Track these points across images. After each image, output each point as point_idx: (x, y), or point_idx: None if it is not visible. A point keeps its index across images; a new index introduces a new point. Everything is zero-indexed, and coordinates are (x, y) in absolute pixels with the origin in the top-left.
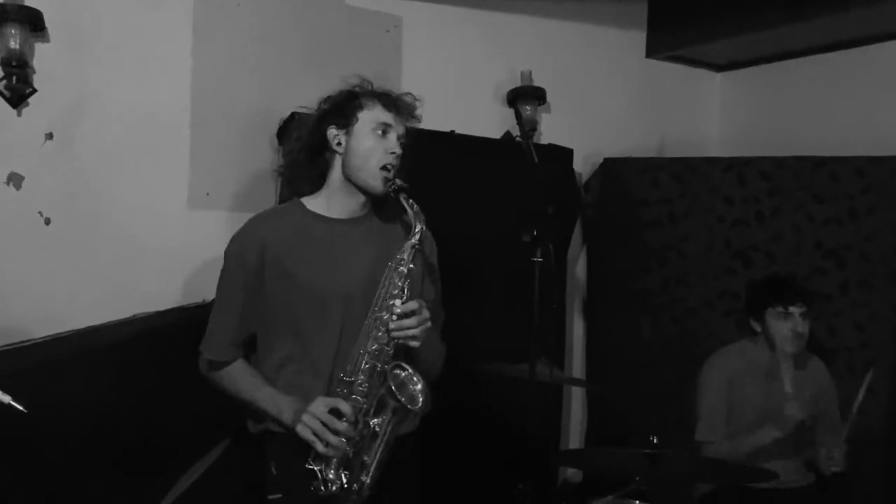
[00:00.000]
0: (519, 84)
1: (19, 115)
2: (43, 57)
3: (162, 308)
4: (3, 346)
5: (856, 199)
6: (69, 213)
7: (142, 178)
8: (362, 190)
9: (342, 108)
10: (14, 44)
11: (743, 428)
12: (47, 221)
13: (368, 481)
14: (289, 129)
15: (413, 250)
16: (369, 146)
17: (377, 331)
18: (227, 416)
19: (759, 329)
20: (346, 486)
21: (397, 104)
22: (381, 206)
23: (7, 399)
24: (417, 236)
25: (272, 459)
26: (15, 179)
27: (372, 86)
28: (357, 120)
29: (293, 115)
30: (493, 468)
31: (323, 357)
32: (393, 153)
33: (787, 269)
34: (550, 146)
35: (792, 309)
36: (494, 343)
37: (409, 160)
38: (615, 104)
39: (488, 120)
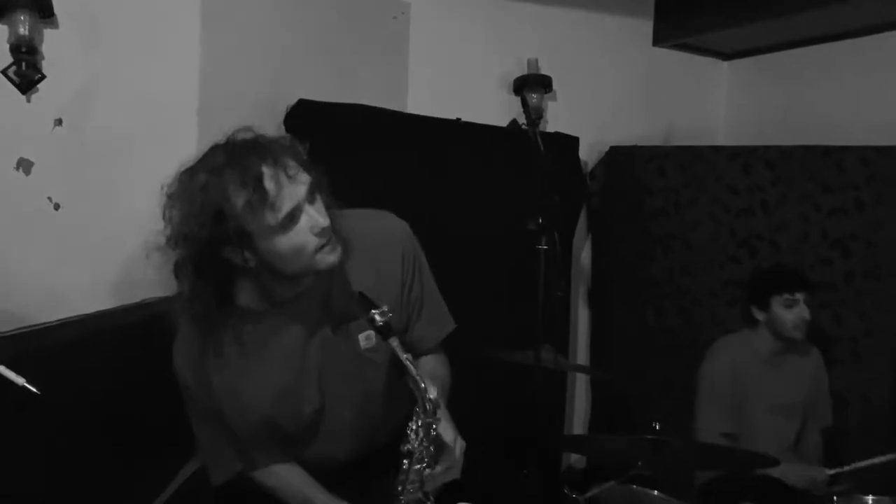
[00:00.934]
0: (525, 72)
1: (28, 100)
2: (52, 43)
3: (171, 293)
4: (12, 330)
5: (862, 188)
6: (79, 198)
7: (150, 164)
8: (301, 280)
9: (223, 231)
10: (23, 30)
11: (748, 415)
12: (56, 207)
13: None
14: (296, 116)
15: (427, 427)
16: (289, 248)
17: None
18: None
19: (761, 318)
20: None
21: (291, 168)
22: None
23: (21, 381)
24: (431, 412)
25: None
26: (24, 165)
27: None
28: (251, 235)
29: (300, 101)
30: (498, 454)
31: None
32: (319, 228)
33: (792, 259)
34: (556, 134)
35: (798, 295)
36: (499, 330)
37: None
38: (621, 92)
39: (494, 108)
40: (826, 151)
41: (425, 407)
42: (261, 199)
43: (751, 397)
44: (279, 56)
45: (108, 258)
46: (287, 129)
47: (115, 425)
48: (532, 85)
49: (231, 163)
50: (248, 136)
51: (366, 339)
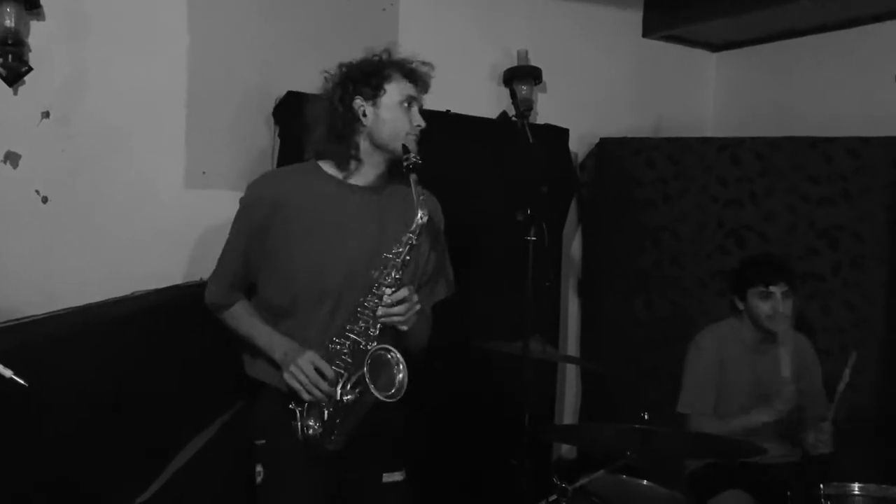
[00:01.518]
0: (515, 63)
1: (15, 93)
2: (38, 35)
3: (160, 286)
4: (1, 323)
5: (849, 179)
6: (66, 191)
7: (138, 157)
8: (391, 155)
9: (369, 79)
10: (9, 22)
11: (733, 405)
12: (44, 200)
13: (336, 439)
14: (284, 108)
15: (410, 243)
16: (398, 119)
17: (365, 310)
18: (224, 392)
19: (742, 307)
20: (319, 435)
21: (420, 77)
22: (395, 174)
23: (9, 373)
24: (417, 226)
25: (261, 406)
26: (12, 158)
27: (389, 55)
28: (384, 92)
29: (289, 93)
30: (488, 444)
31: (313, 324)
32: (419, 126)
33: (780, 250)
34: (546, 126)
35: (773, 288)
36: (489, 321)
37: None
38: (611, 84)
39: (484, 100)
40: (813, 143)
41: (414, 226)
42: (407, 75)
43: (733, 385)
44: (268, 48)
45: (97, 251)
46: (276, 121)
47: (105, 417)
48: (521, 76)
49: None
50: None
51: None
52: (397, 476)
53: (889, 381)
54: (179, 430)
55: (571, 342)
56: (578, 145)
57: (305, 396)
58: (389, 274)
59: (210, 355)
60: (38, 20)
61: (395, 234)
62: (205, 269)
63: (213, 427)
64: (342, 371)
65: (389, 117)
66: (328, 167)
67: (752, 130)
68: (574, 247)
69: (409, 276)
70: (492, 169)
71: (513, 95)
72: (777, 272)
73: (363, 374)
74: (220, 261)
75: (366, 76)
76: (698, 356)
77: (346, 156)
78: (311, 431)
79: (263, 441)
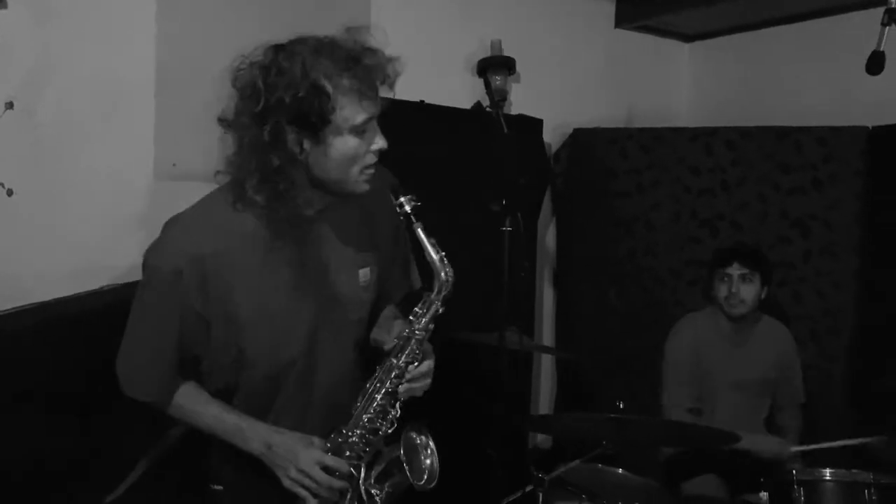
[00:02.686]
0: (489, 54)
1: None
2: (1, 24)
3: (130, 281)
4: None
5: (819, 168)
6: (33, 183)
7: (106, 149)
8: (341, 190)
9: (306, 118)
10: None
11: (712, 394)
12: (10, 192)
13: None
14: None
15: (435, 311)
16: (348, 152)
17: (383, 387)
18: None
19: (712, 294)
20: None
21: (375, 83)
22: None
23: None
24: (441, 288)
25: (215, 447)
26: None
27: (337, 65)
28: (329, 123)
29: None
30: (464, 435)
31: (291, 405)
32: (377, 149)
33: (752, 239)
34: (520, 117)
35: (728, 270)
36: (465, 312)
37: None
38: (585, 74)
39: (458, 90)
40: (784, 132)
41: (439, 288)
42: (358, 90)
43: (714, 374)
44: (238, 36)
45: (65, 245)
46: None
47: (73, 414)
48: (495, 67)
49: (333, 49)
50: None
51: (364, 275)
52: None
53: (859, 369)
54: (149, 427)
55: (547, 332)
56: (553, 136)
57: (312, 503)
58: (413, 351)
59: None
60: (1, 8)
61: (381, 236)
62: None
63: (176, 432)
64: (356, 460)
65: (335, 152)
66: (249, 199)
67: (724, 120)
68: (549, 237)
69: (385, 267)
70: (466, 160)
71: (487, 85)
72: (733, 254)
73: (391, 461)
74: (137, 353)
75: (302, 116)
76: (675, 347)
77: (273, 195)
78: None
79: (220, 487)
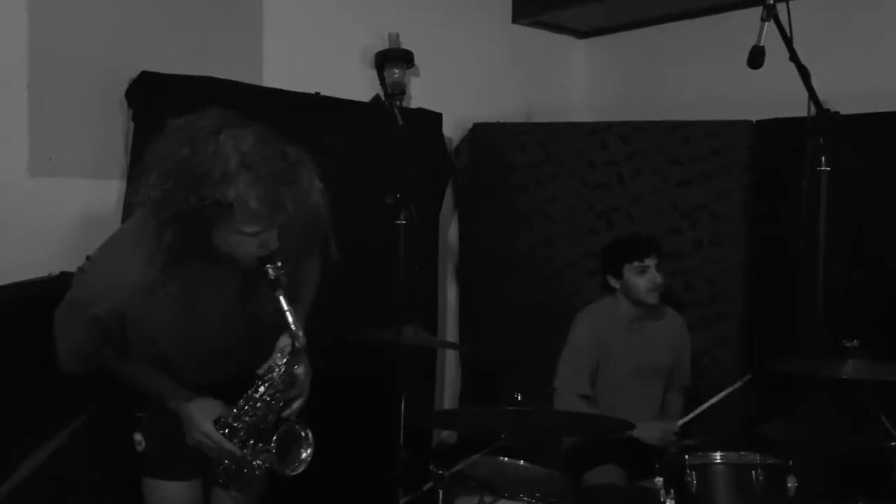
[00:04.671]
0: (387, 47)
1: None
2: None
3: (3, 282)
4: None
5: (707, 161)
6: None
7: None
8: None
9: (196, 219)
10: None
11: (612, 382)
12: None
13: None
14: (139, 89)
15: (288, 361)
16: (238, 246)
17: (265, 396)
18: (77, 395)
19: (617, 286)
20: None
21: (277, 198)
22: None
23: None
24: (290, 352)
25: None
26: None
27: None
28: (221, 220)
29: (143, 73)
30: (368, 434)
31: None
32: (267, 249)
33: (646, 229)
34: (420, 110)
35: (647, 261)
36: (365, 308)
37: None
38: (484, 69)
39: (358, 83)
40: (674, 126)
41: (294, 347)
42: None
43: (613, 362)
44: (119, 26)
45: None
46: (129, 104)
47: None
48: (393, 60)
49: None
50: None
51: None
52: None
53: (748, 355)
54: (26, 435)
55: (451, 327)
56: (453, 130)
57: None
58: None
59: None
60: None
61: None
62: (54, 263)
63: (64, 433)
64: (244, 436)
65: (226, 245)
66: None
67: (619, 115)
68: (451, 232)
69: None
70: (363, 153)
71: (381, 78)
72: (649, 247)
73: (267, 450)
74: (64, 330)
75: (193, 217)
76: (577, 335)
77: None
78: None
79: (143, 415)
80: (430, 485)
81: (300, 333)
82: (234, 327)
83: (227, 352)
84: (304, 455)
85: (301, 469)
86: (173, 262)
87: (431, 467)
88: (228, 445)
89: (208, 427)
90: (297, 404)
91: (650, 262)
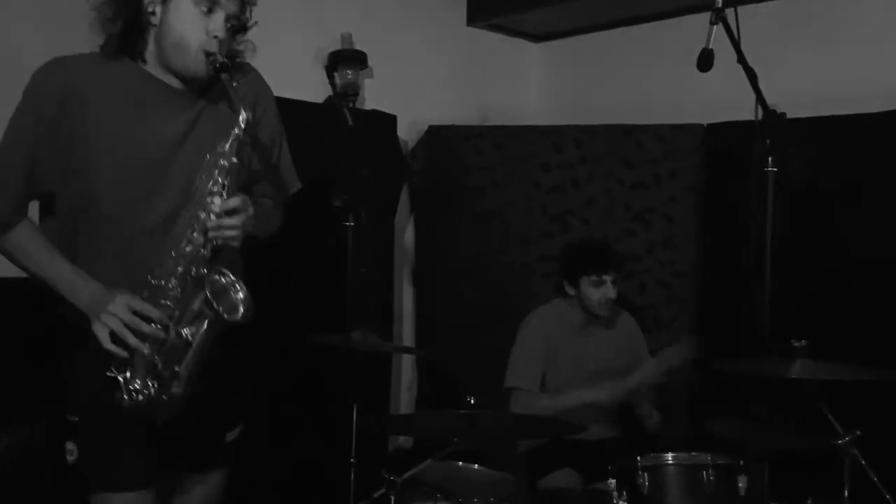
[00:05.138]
0: (339, 47)
1: None
2: None
3: None
4: None
5: (659, 164)
6: None
7: None
8: (180, 76)
9: None
10: None
11: (560, 384)
12: None
13: (181, 392)
14: None
15: (237, 142)
16: (187, 24)
17: (192, 230)
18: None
19: (572, 293)
20: (154, 396)
21: None
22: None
23: None
24: (241, 125)
25: (74, 375)
26: None
27: None
28: None
29: None
30: (321, 440)
31: (127, 252)
32: (216, 36)
33: (600, 232)
34: (374, 112)
35: (605, 277)
36: (316, 312)
37: None
38: (439, 72)
39: (311, 84)
40: (627, 130)
41: (241, 124)
42: None
43: (562, 365)
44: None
45: None
46: None
47: None
48: (346, 60)
49: None
50: None
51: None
52: (237, 431)
53: (701, 352)
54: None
55: (407, 332)
56: (409, 132)
57: (113, 348)
58: (216, 179)
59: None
60: None
61: (217, 138)
62: None
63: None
64: (172, 308)
65: (176, 22)
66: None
67: (572, 118)
68: (407, 235)
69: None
70: (314, 155)
71: (330, 78)
72: (609, 262)
73: (203, 299)
74: None
75: None
76: (526, 335)
77: (137, 57)
78: (140, 398)
79: (76, 418)
80: (381, 491)
81: (247, 112)
82: (177, 160)
83: (162, 186)
84: (240, 296)
85: (244, 311)
86: (123, 45)
87: (383, 473)
88: (154, 312)
89: (125, 295)
90: (234, 219)
91: (608, 278)
